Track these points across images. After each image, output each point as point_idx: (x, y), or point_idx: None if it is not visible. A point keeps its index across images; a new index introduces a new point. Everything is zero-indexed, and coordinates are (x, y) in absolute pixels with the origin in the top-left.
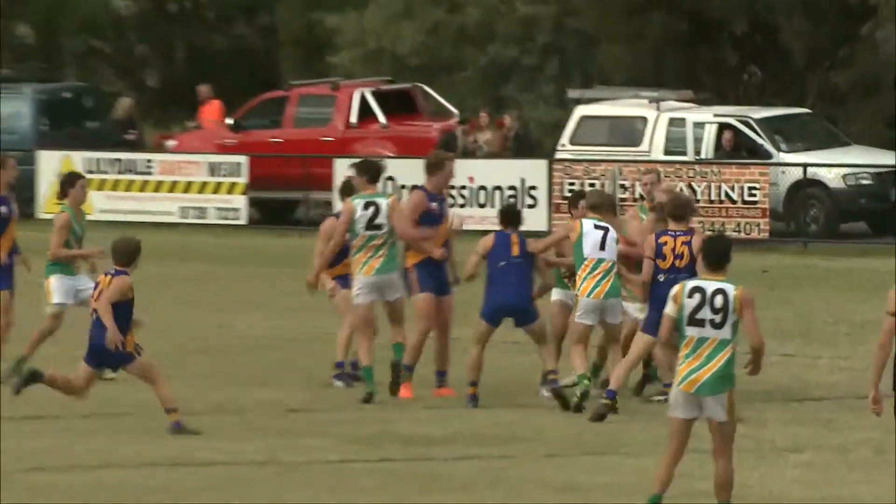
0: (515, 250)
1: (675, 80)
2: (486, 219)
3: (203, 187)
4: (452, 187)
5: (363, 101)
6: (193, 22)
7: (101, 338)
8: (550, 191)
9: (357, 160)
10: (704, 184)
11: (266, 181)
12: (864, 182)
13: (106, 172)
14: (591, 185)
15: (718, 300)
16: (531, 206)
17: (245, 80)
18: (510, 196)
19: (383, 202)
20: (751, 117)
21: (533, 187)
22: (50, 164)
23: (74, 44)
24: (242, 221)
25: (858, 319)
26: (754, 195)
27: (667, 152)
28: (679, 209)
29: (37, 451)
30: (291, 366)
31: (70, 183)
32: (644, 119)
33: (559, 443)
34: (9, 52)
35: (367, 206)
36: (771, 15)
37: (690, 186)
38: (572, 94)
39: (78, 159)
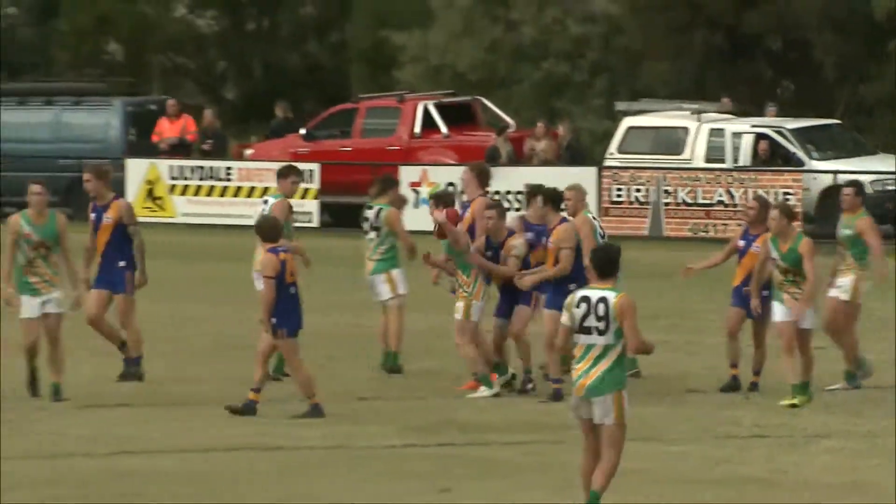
0: None
1: (715, 93)
2: None
3: None
4: (509, 192)
5: (426, 112)
6: (269, 40)
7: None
8: (600, 196)
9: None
10: (742, 189)
11: (336, 187)
12: (890, 188)
13: (189, 179)
14: (637, 190)
15: (601, 308)
16: None
17: (316, 93)
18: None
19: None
20: (784, 128)
21: None
22: (137, 172)
23: (160, 60)
24: (314, 224)
25: (879, 315)
26: (788, 200)
27: (707, 160)
28: None
29: (122, 437)
30: (360, 358)
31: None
32: (686, 129)
33: None
34: (100, 68)
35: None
36: (803, 32)
37: (729, 192)
38: (620, 106)
39: (163, 167)
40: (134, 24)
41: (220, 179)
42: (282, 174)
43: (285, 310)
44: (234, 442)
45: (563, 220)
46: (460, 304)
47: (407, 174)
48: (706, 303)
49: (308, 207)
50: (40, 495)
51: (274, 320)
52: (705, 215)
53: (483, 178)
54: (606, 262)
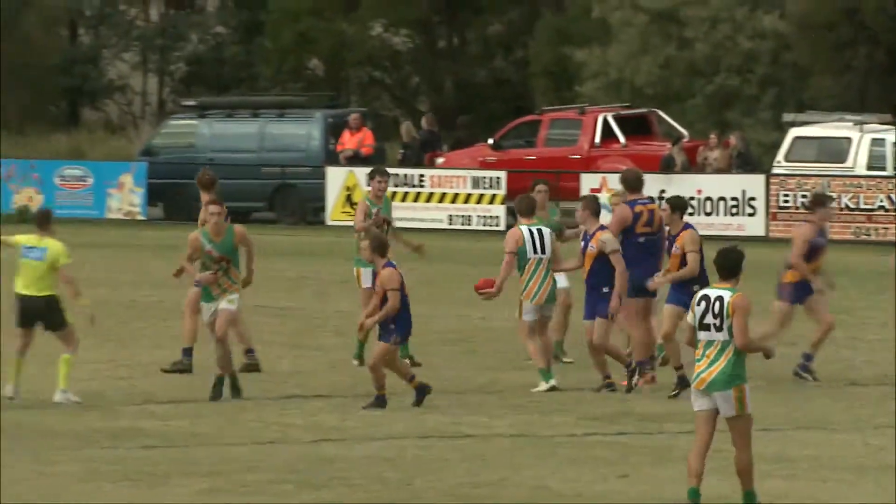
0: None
1: (876, 106)
2: (713, 225)
3: (468, 198)
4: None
5: (606, 124)
6: (459, 56)
7: None
8: (768, 202)
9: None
10: None
11: (521, 193)
12: None
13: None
14: (803, 196)
15: (717, 306)
16: (751, 215)
17: (502, 106)
18: (733, 206)
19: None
20: None
21: (752, 199)
22: (337, 179)
23: (358, 75)
24: (501, 228)
25: None
26: None
27: (869, 168)
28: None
29: (323, 425)
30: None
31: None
32: (849, 139)
33: (772, 419)
34: (302, 82)
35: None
36: None
37: (889, 198)
38: (787, 118)
39: (361, 175)
40: (333, 42)
41: (414, 186)
42: (370, 176)
43: (403, 318)
44: (427, 430)
45: (687, 225)
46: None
47: (587, 181)
48: (867, 300)
49: (495, 212)
50: (249, 479)
51: (392, 326)
52: (867, 220)
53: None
54: (729, 264)
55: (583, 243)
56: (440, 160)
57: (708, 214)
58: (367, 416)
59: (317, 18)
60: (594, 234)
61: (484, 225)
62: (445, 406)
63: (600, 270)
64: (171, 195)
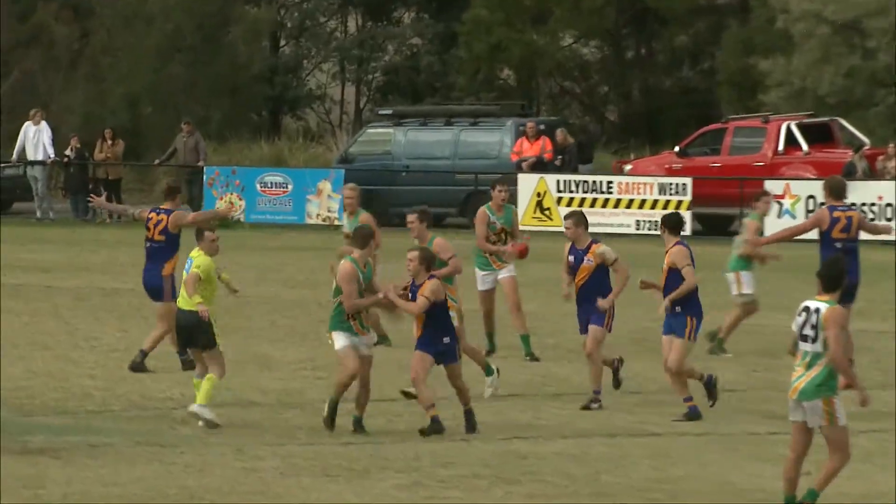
0: None
1: None
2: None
3: (654, 204)
4: (864, 204)
5: (789, 132)
6: (647, 66)
7: None
8: None
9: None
10: None
11: (707, 199)
12: None
13: (574, 192)
14: None
15: (814, 318)
16: None
17: (687, 114)
18: None
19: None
20: None
21: None
22: (528, 186)
23: (548, 84)
24: (687, 233)
25: None
26: None
27: None
28: None
29: (515, 423)
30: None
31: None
32: None
33: None
34: (495, 91)
35: None
36: None
37: None
38: None
39: (551, 182)
40: (525, 52)
41: (602, 192)
42: (491, 185)
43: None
44: (614, 429)
45: (679, 242)
46: None
47: (771, 188)
48: None
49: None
50: (444, 474)
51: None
52: None
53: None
54: (831, 276)
55: (572, 258)
56: (628, 167)
57: (888, 220)
58: (557, 414)
59: (509, 30)
60: (589, 247)
61: None
62: (631, 405)
63: (594, 283)
64: (367, 202)
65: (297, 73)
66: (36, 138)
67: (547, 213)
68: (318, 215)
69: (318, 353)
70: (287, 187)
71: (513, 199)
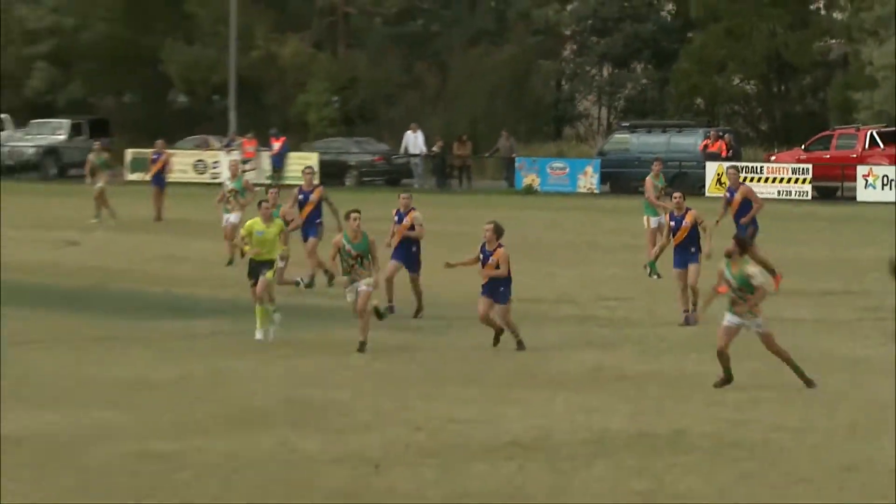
0: None
1: None
2: None
3: (789, 181)
4: None
5: (871, 136)
6: (785, 97)
7: None
8: None
9: None
10: None
11: (820, 178)
12: None
13: (740, 173)
14: None
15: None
16: None
17: (809, 126)
18: None
19: None
20: None
21: None
22: (712, 168)
23: (724, 108)
24: (808, 198)
25: None
26: None
27: None
28: None
29: (634, 411)
30: None
31: None
32: None
33: None
34: (692, 112)
35: None
36: None
37: None
38: None
39: (726, 166)
40: (711, 89)
41: (756, 173)
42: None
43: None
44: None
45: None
46: None
47: (839, 172)
48: None
49: None
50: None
51: (502, 289)
52: None
53: None
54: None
55: (673, 223)
56: (773, 158)
57: None
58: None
59: (700, 75)
60: (684, 214)
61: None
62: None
63: (689, 238)
64: (615, 179)
65: (572, 101)
66: (414, 141)
67: (722, 185)
68: (584, 186)
69: None
70: (566, 170)
71: (701, 177)
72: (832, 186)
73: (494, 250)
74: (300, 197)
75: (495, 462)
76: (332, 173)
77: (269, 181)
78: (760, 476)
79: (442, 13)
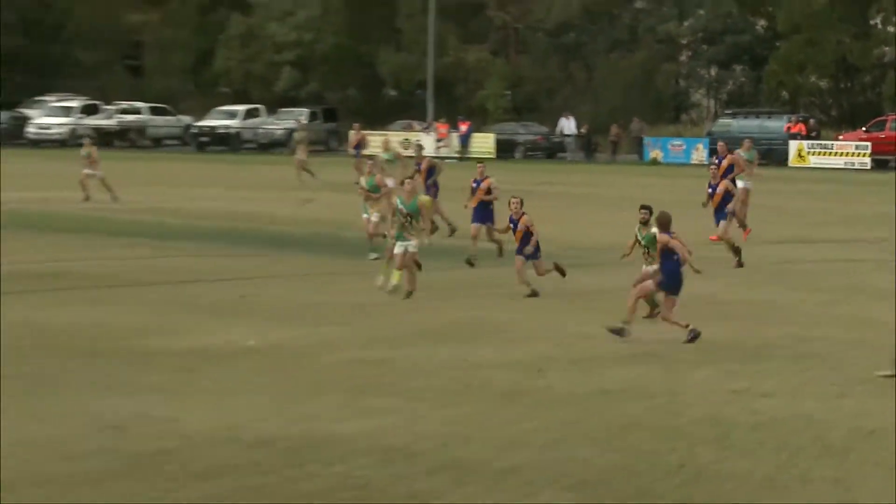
0: None
1: None
2: None
3: (853, 154)
4: None
5: None
6: (850, 90)
7: None
8: None
9: None
10: None
11: (878, 152)
12: None
13: (813, 150)
14: None
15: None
16: None
17: (869, 112)
18: None
19: None
20: None
21: None
22: (794, 146)
23: (804, 100)
24: (867, 167)
25: None
26: None
27: None
28: None
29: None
30: None
31: None
32: None
33: None
34: (779, 101)
35: None
36: None
37: None
38: None
39: (805, 144)
40: (793, 85)
41: (826, 149)
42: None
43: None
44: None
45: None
46: None
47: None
48: None
49: None
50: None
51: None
52: None
53: None
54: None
55: (710, 190)
56: (840, 137)
57: None
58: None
59: (785, 75)
60: (719, 182)
61: None
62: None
63: (724, 200)
64: None
65: (687, 94)
66: (567, 125)
67: (802, 158)
68: (696, 159)
69: None
70: (682, 146)
71: (785, 151)
72: (886, 159)
73: (520, 217)
74: (473, 185)
75: (624, 366)
76: (505, 149)
77: (457, 156)
78: (824, 378)
79: (589, 27)
